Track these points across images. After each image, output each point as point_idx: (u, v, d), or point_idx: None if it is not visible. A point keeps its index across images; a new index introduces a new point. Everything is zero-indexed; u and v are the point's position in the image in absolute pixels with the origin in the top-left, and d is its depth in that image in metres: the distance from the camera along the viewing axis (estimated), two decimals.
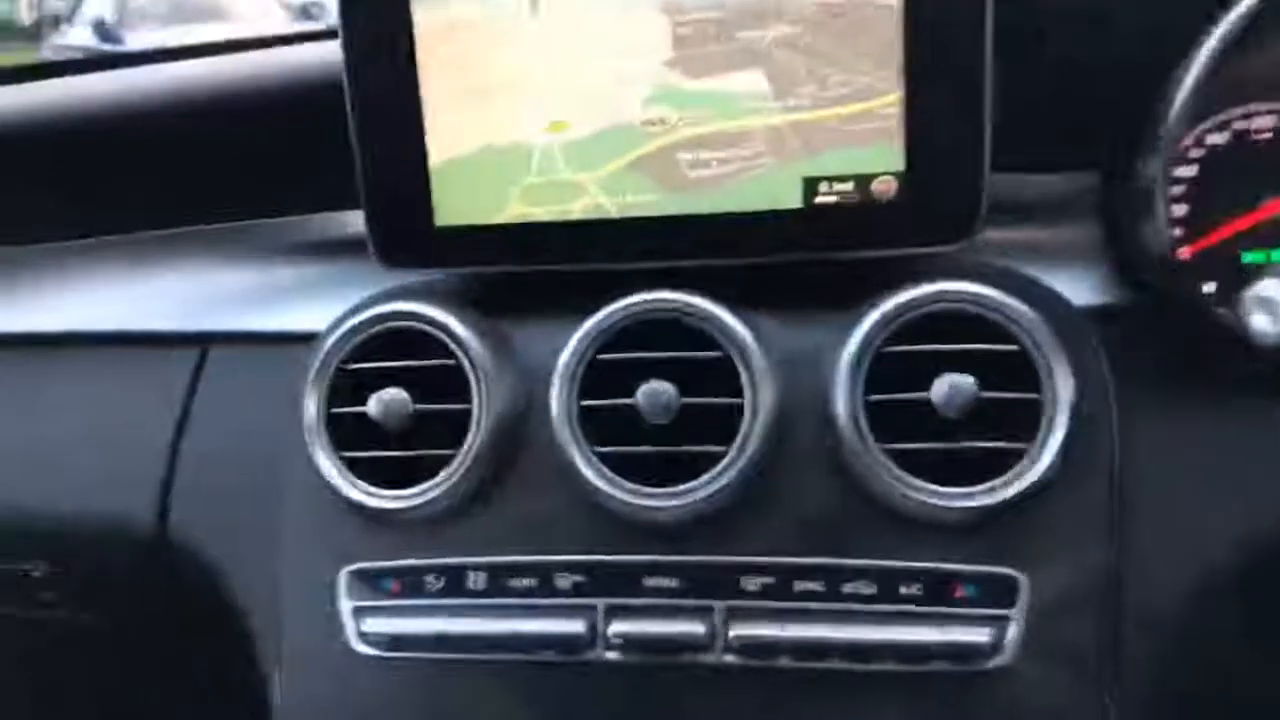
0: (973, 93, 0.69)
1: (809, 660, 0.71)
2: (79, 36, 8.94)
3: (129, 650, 1.04)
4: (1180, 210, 0.75)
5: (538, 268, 0.78)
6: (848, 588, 0.71)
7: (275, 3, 9.24)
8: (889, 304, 0.71)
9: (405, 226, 0.77)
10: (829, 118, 0.71)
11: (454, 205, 0.76)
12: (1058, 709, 0.69)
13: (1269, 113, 0.74)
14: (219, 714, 1.10)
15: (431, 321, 0.76)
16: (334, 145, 0.77)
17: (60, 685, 1.05)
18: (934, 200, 0.71)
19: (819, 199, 0.73)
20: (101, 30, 8.33)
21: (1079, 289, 0.77)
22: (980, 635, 0.68)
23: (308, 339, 0.81)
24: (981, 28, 0.68)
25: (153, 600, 0.94)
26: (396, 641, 0.75)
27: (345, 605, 0.76)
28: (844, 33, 0.69)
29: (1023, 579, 0.70)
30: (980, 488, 0.68)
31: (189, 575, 0.85)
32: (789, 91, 0.71)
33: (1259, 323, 0.50)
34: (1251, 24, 0.69)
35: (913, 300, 0.71)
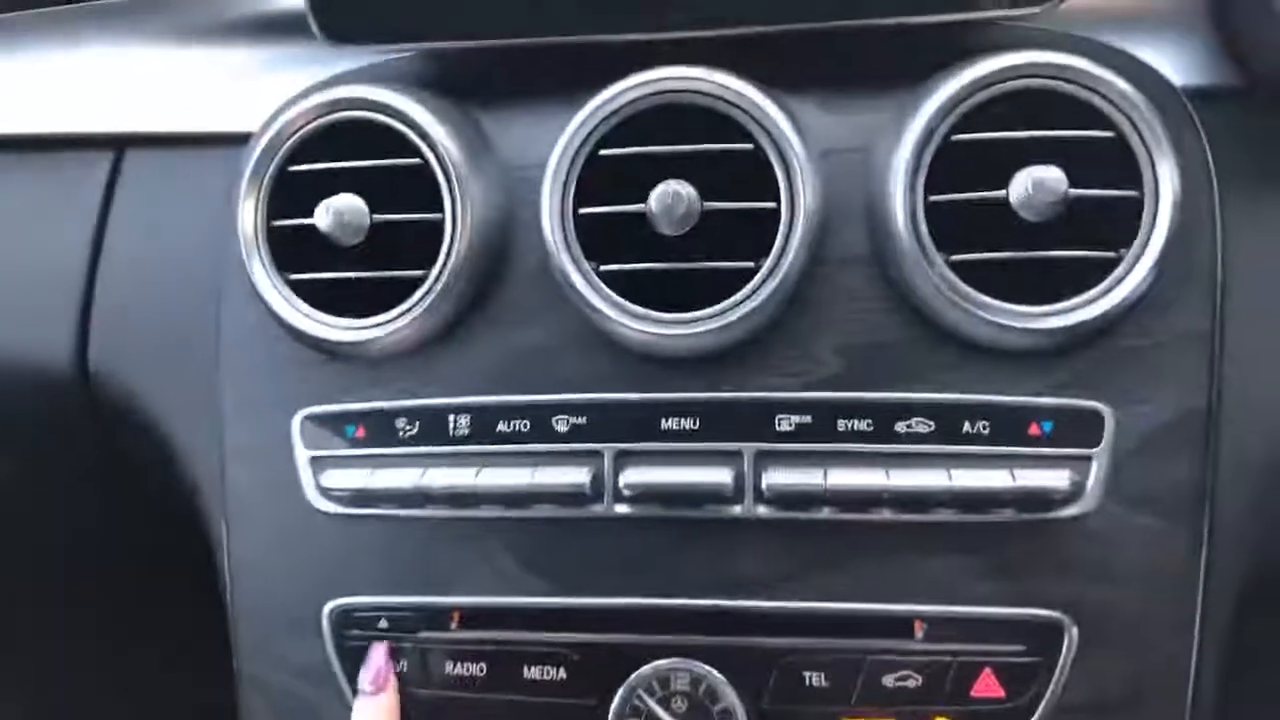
0: None
1: (854, 512, 0.61)
2: None
3: (55, 503, 0.93)
4: None
5: (520, 40, 0.64)
6: (902, 426, 0.60)
7: None
8: (956, 82, 0.59)
9: None
10: None
11: None
12: (1143, 564, 0.60)
13: None
14: (163, 570, 1.01)
15: (390, 110, 0.63)
16: None
17: None
18: None
19: None
20: None
21: (1176, 65, 0.65)
22: (1057, 479, 0.58)
23: (241, 140, 0.68)
24: None
25: (76, 447, 0.82)
26: (362, 497, 0.64)
27: (301, 455, 0.65)
28: None
29: (1109, 413, 0.60)
30: (1063, 305, 0.58)
31: (115, 416, 0.74)
32: None
33: None
34: None
35: (986, 76, 0.58)
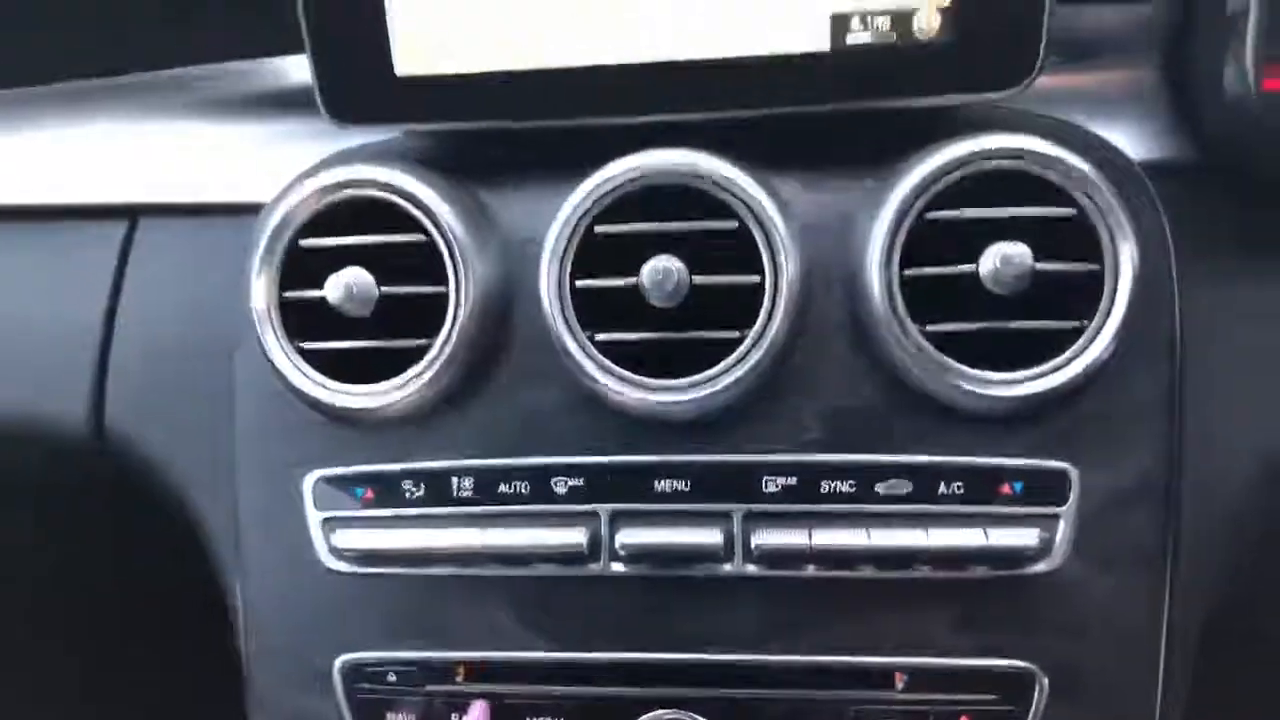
0: None
1: (837, 569, 0.64)
2: None
3: (75, 560, 0.96)
4: (1263, 37, 0.64)
5: (521, 124, 0.67)
6: (881, 488, 0.64)
7: None
8: (930, 163, 0.62)
9: (359, 74, 0.66)
10: None
11: (418, 47, 0.64)
12: (1108, 618, 0.64)
13: None
14: (175, 632, 1.03)
15: (397, 190, 0.65)
16: None
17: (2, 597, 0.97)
18: (985, 39, 0.61)
19: (850, 39, 0.62)
20: None
21: (1136, 141, 0.69)
22: (1027, 537, 0.62)
23: (251, 210, 0.71)
24: None
25: (91, 505, 0.85)
26: (371, 556, 0.67)
27: (313, 516, 0.68)
28: None
29: (1075, 474, 0.63)
30: (1031, 372, 0.61)
31: (130, 476, 0.77)
32: None
33: None
34: None
35: (957, 159, 0.61)
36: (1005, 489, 0.63)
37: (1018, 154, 0.61)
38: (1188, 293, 0.65)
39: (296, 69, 0.78)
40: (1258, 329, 0.66)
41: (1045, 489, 0.63)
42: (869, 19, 0.62)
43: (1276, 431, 0.66)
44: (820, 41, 0.62)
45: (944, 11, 0.61)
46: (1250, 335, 0.66)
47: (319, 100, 0.67)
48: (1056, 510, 0.63)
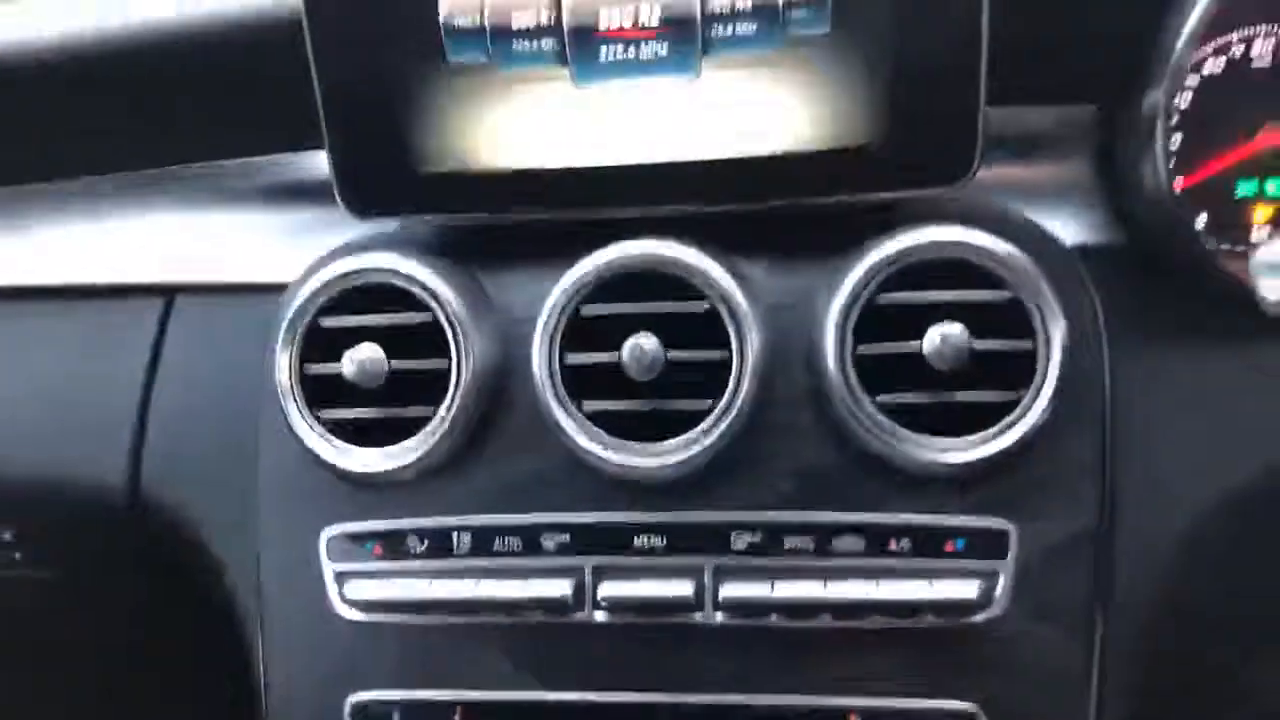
0: (968, 30, 0.65)
1: (798, 619, 0.71)
2: None
3: (104, 610, 1.03)
4: (1175, 141, 0.72)
5: (519, 217, 0.75)
6: (837, 544, 0.70)
7: None
8: (878, 252, 0.69)
9: (374, 171, 0.74)
10: None
11: (430, 148, 0.73)
12: (1046, 661, 0.69)
13: (1269, 35, 0.71)
14: (199, 673, 1.10)
15: (406, 275, 0.73)
16: (298, 80, 0.72)
17: (32, 646, 1.04)
18: (927, 143, 0.69)
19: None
20: None
21: (1073, 227, 0.76)
22: (969, 589, 0.68)
23: (277, 289, 0.79)
24: None
25: (127, 559, 0.93)
26: (379, 605, 0.74)
27: (327, 569, 0.75)
28: None
29: (1013, 531, 0.69)
30: (971, 440, 0.68)
31: (163, 536, 0.84)
32: None
33: (1268, 288, 0.48)
34: None
35: (902, 249, 0.69)
36: (949, 545, 0.70)
37: (958, 245, 0.68)
38: (1121, 364, 0.72)
39: (317, 163, 0.86)
40: (1184, 395, 0.73)
41: (986, 545, 0.69)
42: None
43: (1203, 486, 0.72)
44: (779, 146, 0.70)
45: (891, 119, 0.69)
46: (1178, 400, 0.73)
47: (337, 194, 0.75)
48: (996, 565, 0.69)
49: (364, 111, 0.72)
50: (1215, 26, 0.70)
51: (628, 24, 0.68)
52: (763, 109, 0.69)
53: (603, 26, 0.68)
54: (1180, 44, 0.66)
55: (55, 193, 0.93)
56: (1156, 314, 0.73)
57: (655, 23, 0.68)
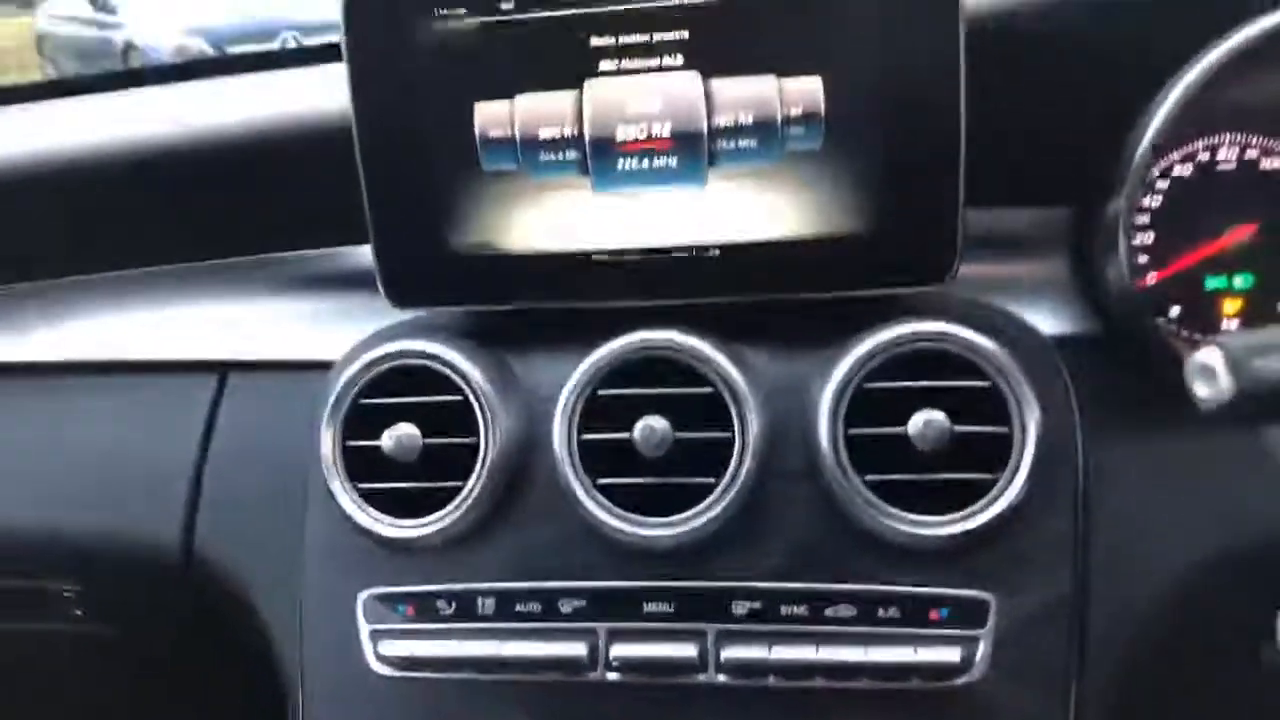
0: (948, 142, 0.73)
1: (794, 679, 0.76)
2: (72, 5, 8.91)
3: (152, 664, 1.10)
4: (1147, 239, 0.79)
5: (543, 306, 0.82)
6: (830, 611, 0.76)
7: None
8: (867, 344, 0.75)
9: (413, 265, 0.82)
10: None
11: (463, 244, 0.81)
12: None
13: (1232, 144, 0.78)
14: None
15: (440, 359, 0.80)
16: (347, 181, 0.81)
17: (83, 699, 1.11)
18: (911, 244, 0.76)
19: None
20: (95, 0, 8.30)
21: (1050, 320, 0.82)
22: (952, 655, 0.74)
23: (323, 366, 0.86)
24: (955, 68, 0.72)
25: (177, 616, 0.99)
26: (411, 662, 0.80)
27: (364, 628, 0.82)
28: None
29: (992, 601, 0.75)
30: (953, 516, 0.73)
31: (212, 593, 0.90)
32: None
33: (1200, 389, 0.55)
34: (1216, 64, 0.73)
35: (889, 340, 0.75)
36: (934, 614, 0.75)
37: (942, 337, 0.74)
38: (1095, 446, 0.77)
39: (361, 256, 0.95)
40: (1154, 475, 0.78)
41: (968, 614, 0.74)
42: None
43: (1171, 559, 0.77)
44: (777, 246, 0.77)
45: (878, 222, 0.76)
46: (1148, 480, 0.78)
47: (380, 284, 0.82)
48: (977, 632, 0.74)
49: (406, 211, 0.81)
50: (1179, 136, 0.77)
51: (642, 138, 0.76)
52: (763, 213, 0.77)
53: (620, 139, 0.76)
54: (1139, 155, 0.73)
55: (118, 279, 1.01)
56: (1129, 400, 0.79)
57: (667, 135, 0.76)
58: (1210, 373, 0.54)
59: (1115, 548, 0.77)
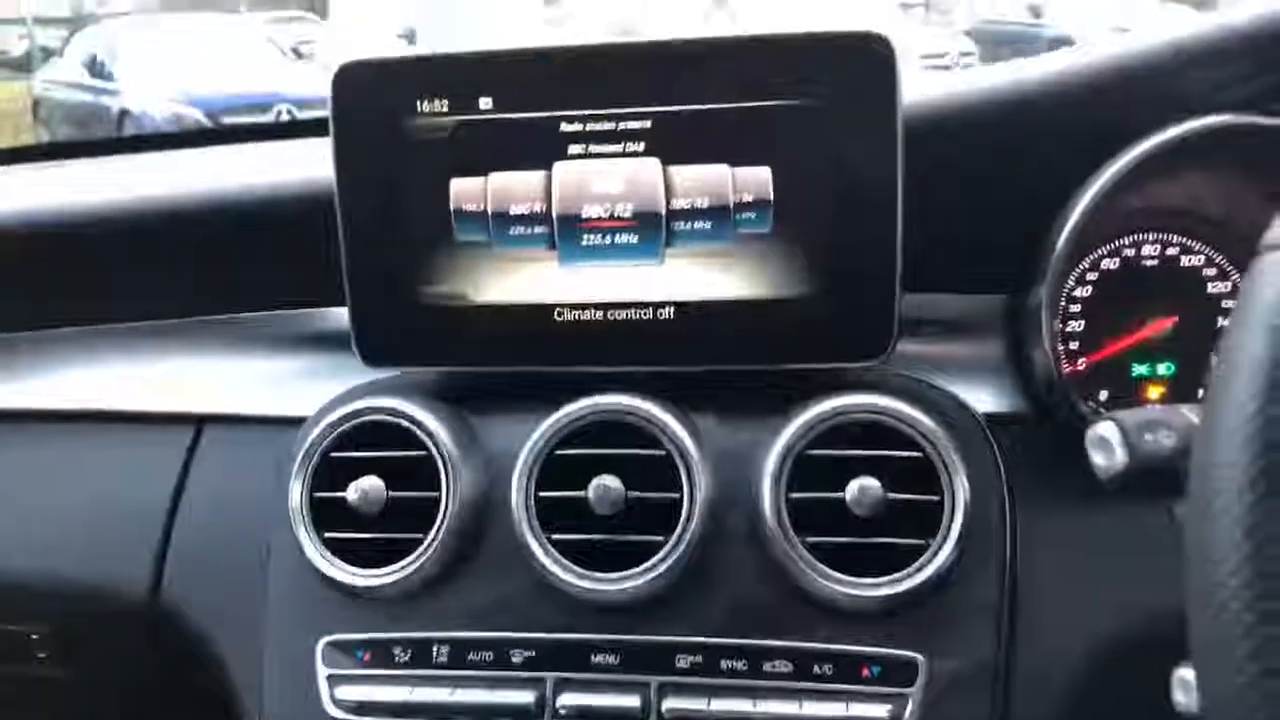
0: (885, 231, 0.79)
1: None
2: (69, 71, 9.09)
3: (112, 707, 1.11)
4: (1078, 326, 0.85)
5: (507, 369, 0.88)
6: (768, 666, 0.79)
7: (267, 43, 9.41)
8: (808, 413, 0.81)
9: (386, 327, 0.87)
10: None
11: (434, 308, 0.86)
12: None
13: (1154, 242, 0.85)
14: None
15: (406, 416, 0.85)
16: (326, 246, 0.86)
17: None
18: (851, 323, 0.82)
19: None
20: (92, 66, 8.48)
21: (983, 397, 0.87)
22: (882, 711, 0.77)
23: (296, 422, 0.90)
24: (893, 164, 0.78)
25: (139, 660, 1.01)
26: (366, 707, 0.83)
27: (322, 672, 0.84)
28: None
29: (921, 661, 0.78)
30: (885, 579, 0.78)
31: (176, 638, 0.93)
32: None
33: (1097, 460, 0.60)
34: (1135, 168, 0.79)
35: (828, 411, 0.80)
36: (865, 671, 0.78)
37: (878, 410, 0.80)
38: (1023, 516, 0.82)
39: (336, 317, 0.99)
40: (1079, 545, 0.82)
41: (897, 672, 0.78)
42: None
43: (1095, 624, 0.81)
44: (726, 320, 0.83)
45: (820, 300, 0.82)
46: (1074, 549, 0.82)
47: (354, 344, 0.87)
48: (906, 690, 0.78)
49: (381, 276, 0.86)
50: (1103, 233, 0.84)
51: (606, 216, 0.82)
52: (715, 289, 0.83)
53: (585, 217, 0.83)
54: (1055, 251, 0.80)
55: (96, 331, 1.05)
56: (1056, 474, 0.83)
57: (628, 215, 0.82)
58: (1106, 444, 0.60)
59: (1039, 614, 0.81)
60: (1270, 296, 0.43)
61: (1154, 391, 0.87)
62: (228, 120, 7.28)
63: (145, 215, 1.00)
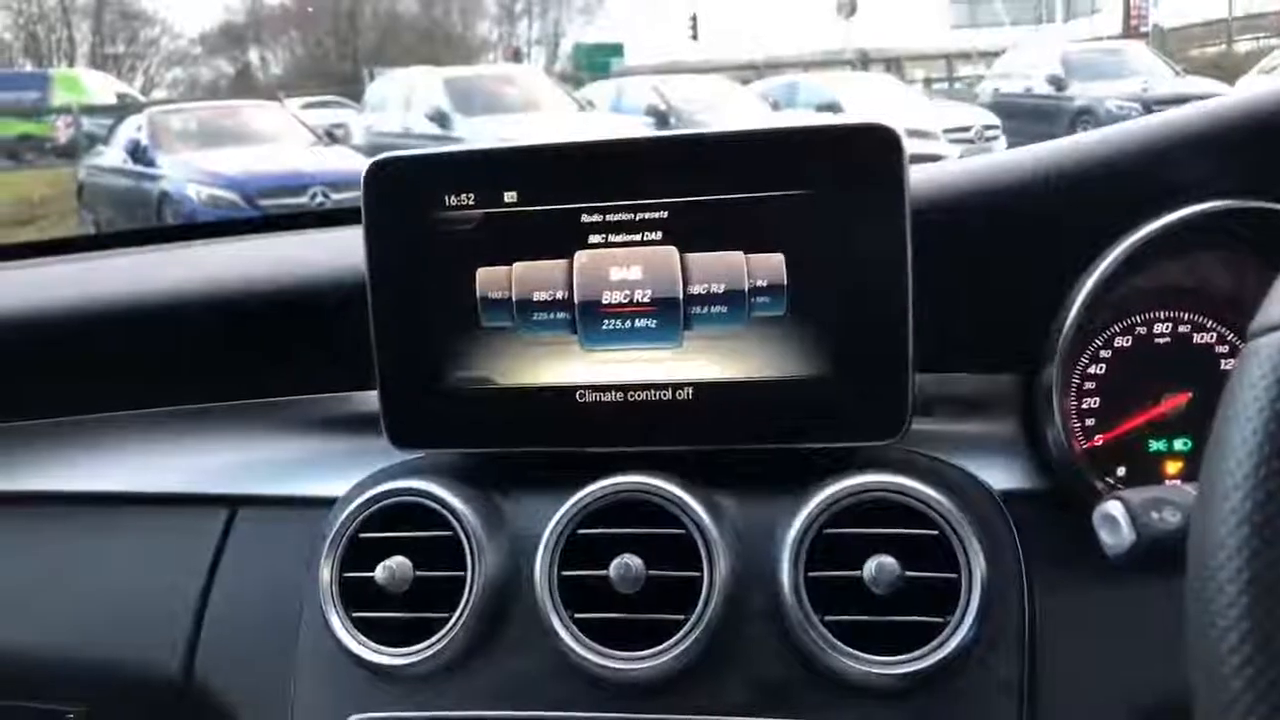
0: (898, 313, 0.81)
1: None
2: (113, 157, 9.40)
3: None
4: (1093, 403, 0.87)
5: (531, 450, 0.91)
6: None
7: (301, 127, 9.69)
8: (827, 492, 0.82)
9: (415, 411, 0.90)
10: None
11: (460, 392, 0.89)
12: None
13: (1166, 320, 0.87)
14: None
15: (433, 497, 0.87)
16: (357, 331, 0.90)
17: None
18: (866, 403, 0.84)
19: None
20: (135, 152, 8.76)
21: (999, 475, 0.88)
22: None
23: (327, 503, 0.93)
24: (903, 249, 0.81)
25: None
26: None
27: None
28: None
29: None
30: (904, 657, 0.78)
31: (209, 716, 0.95)
32: None
33: (1105, 538, 0.61)
34: (1139, 251, 0.82)
35: (846, 490, 0.82)
36: None
37: (895, 489, 0.81)
38: (1041, 594, 0.83)
39: (365, 401, 1.02)
40: (1097, 622, 0.83)
41: None
42: None
43: (1113, 702, 0.81)
44: (744, 402, 0.85)
45: (835, 382, 0.84)
46: (1092, 627, 0.83)
47: (384, 427, 0.90)
48: None
49: (410, 361, 0.89)
50: (1114, 312, 0.86)
51: (625, 302, 0.86)
52: (732, 371, 0.85)
53: (605, 302, 0.86)
54: (1063, 332, 0.82)
55: (131, 417, 1.08)
56: (1073, 552, 0.84)
57: (647, 300, 0.85)
58: (1113, 523, 0.61)
59: (1059, 691, 0.81)
60: (1258, 382, 0.44)
61: (1172, 467, 0.88)
62: (263, 202, 7.50)
63: (181, 302, 1.05)
